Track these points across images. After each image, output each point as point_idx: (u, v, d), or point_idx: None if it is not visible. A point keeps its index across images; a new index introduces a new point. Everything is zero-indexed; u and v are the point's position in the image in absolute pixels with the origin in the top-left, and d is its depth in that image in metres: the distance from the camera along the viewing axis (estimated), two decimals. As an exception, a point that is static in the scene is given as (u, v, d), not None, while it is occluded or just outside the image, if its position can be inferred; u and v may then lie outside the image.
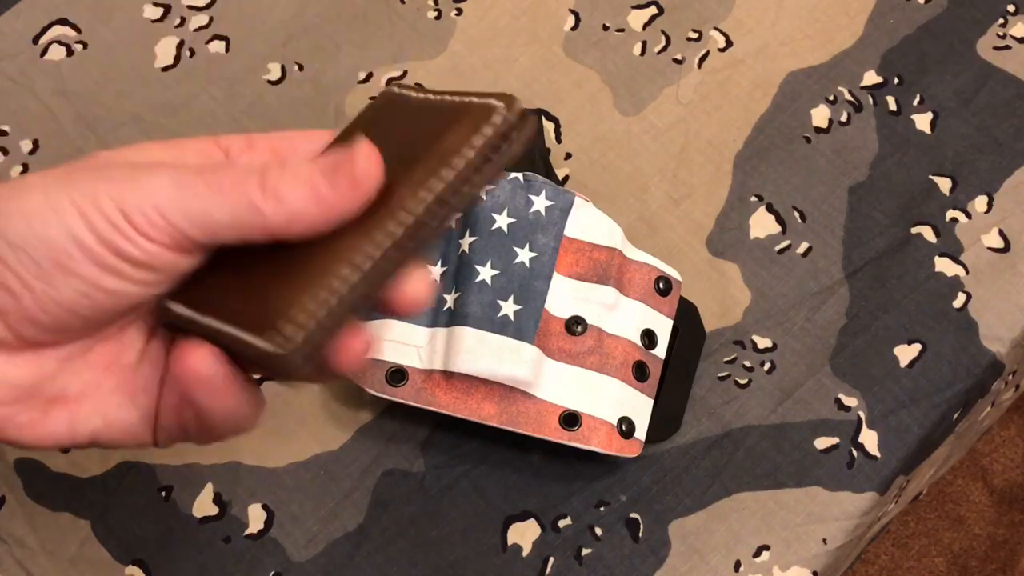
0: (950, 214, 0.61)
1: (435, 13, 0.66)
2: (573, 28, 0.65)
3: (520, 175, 0.54)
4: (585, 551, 0.53)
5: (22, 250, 0.31)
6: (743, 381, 0.57)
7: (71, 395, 0.34)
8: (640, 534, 0.53)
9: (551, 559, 0.53)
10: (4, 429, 0.33)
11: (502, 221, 0.53)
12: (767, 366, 0.57)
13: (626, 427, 0.52)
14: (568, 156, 0.62)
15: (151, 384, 0.35)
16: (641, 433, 0.52)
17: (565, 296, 0.53)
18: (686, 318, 0.56)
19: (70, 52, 0.64)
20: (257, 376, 0.36)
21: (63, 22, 0.65)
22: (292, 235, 0.32)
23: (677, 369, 0.55)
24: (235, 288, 0.33)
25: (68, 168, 0.32)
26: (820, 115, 0.63)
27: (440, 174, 0.32)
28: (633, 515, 0.54)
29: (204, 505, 0.54)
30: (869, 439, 0.56)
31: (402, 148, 0.33)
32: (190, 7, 0.65)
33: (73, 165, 0.33)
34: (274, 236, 0.32)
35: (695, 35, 0.65)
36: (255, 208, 0.31)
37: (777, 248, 0.60)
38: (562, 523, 0.54)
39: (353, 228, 0.32)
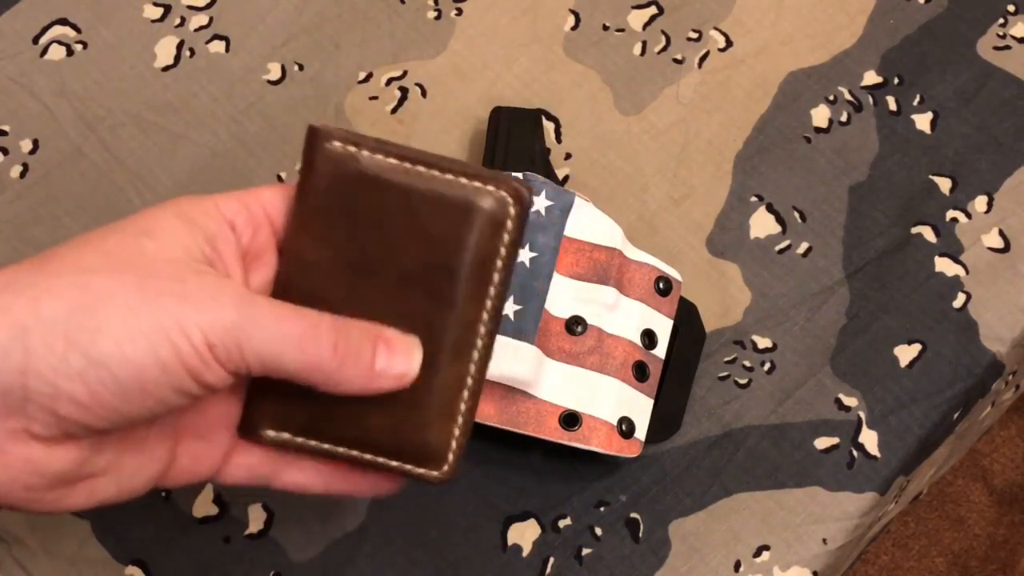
0: (950, 214, 0.61)
1: (435, 13, 0.66)
2: (573, 28, 0.65)
3: (520, 175, 0.54)
4: (585, 551, 0.53)
5: (106, 369, 0.31)
6: (743, 381, 0.57)
7: (95, 473, 0.35)
8: (640, 534, 0.53)
9: (551, 559, 0.53)
10: (29, 506, 0.33)
11: (502, 221, 0.53)
12: (767, 366, 0.57)
13: (626, 427, 0.52)
14: (568, 156, 0.62)
15: (160, 453, 0.36)
16: (641, 433, 0.52)
17: (565, 296, 0.52)
18: (686, 318, 0.56)
19: (70, 52, 0.64)
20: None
21: (63, 22, 0.65)
22: (332, 392, 0.35)
23: (677, 369, 0.55)
24: (337, 415, 0.37)
25: (140, 276, 0.32)
26: (820, 115, 0.63)
27: (491, 286, 0.37)
28: (633, 515, 0.54)
29: (204, 505, 0.54)
30: (869, 439, 0.56)
31: (419, 249, 0.36)
32: (190, 7, 0.65)
33: (140, 265, 0.32)
34: (318, 387, 0.35)
35: (695, 35, 0.65)
36: (321, 368, 0.34)
37: (777, 248, 0.60)
38: (562, 523, 0.54)
39: (436, 350, 0.37)
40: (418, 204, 0.36)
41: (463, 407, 0.38)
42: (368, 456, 0.38)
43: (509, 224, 0.36)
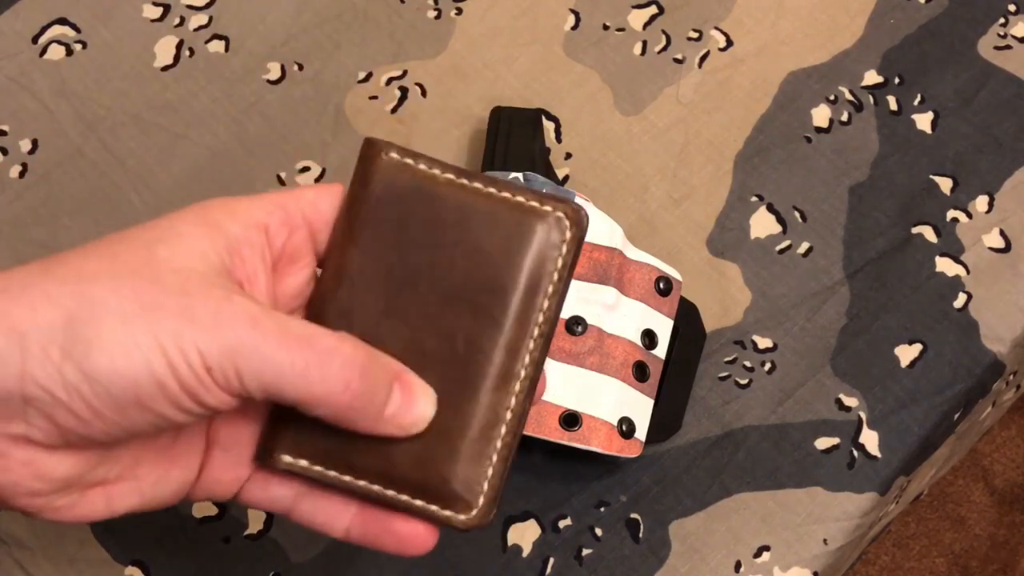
0: (951, 214, 0.61)
1: (435, 13, 0.66)
2: (573, 28, 0.65)
3: (520, 175, 0.54)
4: (585, 551, 0.53)
5: (100, 384, 0.30)
6: (743, 381, 0.57)
7: (109, 479, 0.34)
8: (640, 534, 0.53)
9: (551, 559, 0.53)
10: (41, 512, 0.33)
11: (502, 221, 0.53)
12: (767, 366, 0.57)
13: (626, 427, 0.52)
14: (568, 156, 0.62)
15: (189, 459, 0.35)
16: (641, 433, 0.52)
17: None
18: (686, 318, 0.56)
19: (70, 52, 0.64)
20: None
21: (63, 22, 0.65)
22: (336, 426, 0.33)
23: (677, 369, 0.55)
24: (358, 444, 0.34)
25: (142, 287, 0.31)
26: (820, 115, 0.63)
27: (540, 312, 0.35)
28: (633, 515, 0.54)
29: (204, 505, 0.54)
30: (870, 439, 0.55)
31: (469, 265, 0.34)
32: (189, 7, 0.65)
33: (144, 274, 0.31)
34: (324, 420, 0.33)
35: (695, 35, 0.65)
36: (328, 403, 0.32)
37: (777, 248, 0.60)
38: (562, 523, 0.54)
39: (475, 374, 0.34)
40: (472, 220, 0.34)
41: (499, 444, 0.34)
42: (389, 492, 0.35)
43: (564, 247, 0.35)
